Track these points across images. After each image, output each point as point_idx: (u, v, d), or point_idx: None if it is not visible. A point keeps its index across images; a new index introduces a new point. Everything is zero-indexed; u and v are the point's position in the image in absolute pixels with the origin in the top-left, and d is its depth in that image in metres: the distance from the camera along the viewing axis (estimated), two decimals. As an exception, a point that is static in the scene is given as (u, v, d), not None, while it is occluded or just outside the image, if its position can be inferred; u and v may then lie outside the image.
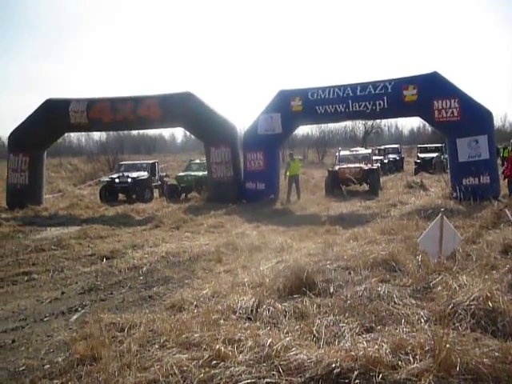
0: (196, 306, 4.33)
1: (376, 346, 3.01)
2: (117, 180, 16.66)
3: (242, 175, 14.65)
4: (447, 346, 2.82)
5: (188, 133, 26.03)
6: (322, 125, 41.59)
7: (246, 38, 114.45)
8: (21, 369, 3.38)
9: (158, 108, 14.42)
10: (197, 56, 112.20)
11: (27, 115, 15.06)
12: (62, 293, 5.47)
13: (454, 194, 11.25)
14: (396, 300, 4.14)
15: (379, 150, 27.65)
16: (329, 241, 7.30)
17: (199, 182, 16.17)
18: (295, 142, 44.45)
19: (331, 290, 4.68)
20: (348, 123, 47.15)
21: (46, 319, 4.59)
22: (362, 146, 32.50)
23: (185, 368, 2.77)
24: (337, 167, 16.62)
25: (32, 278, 6.16)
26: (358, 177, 15.42)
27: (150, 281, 5.86)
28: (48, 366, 3.35)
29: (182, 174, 17.59)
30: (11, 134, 15.34)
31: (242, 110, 70.76)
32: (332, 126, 45.83)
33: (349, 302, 4.17)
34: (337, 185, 15.41)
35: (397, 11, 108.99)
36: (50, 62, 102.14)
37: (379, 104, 12.36)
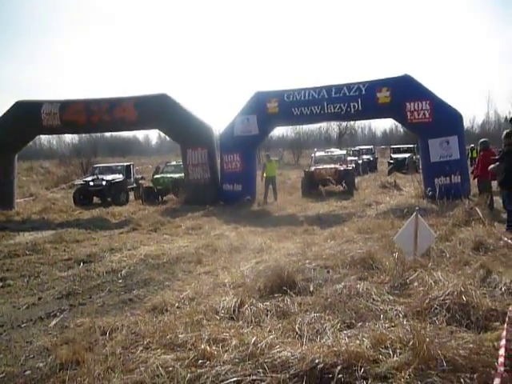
0: (178, 307, 4.34)
1: (357, 342, 3.10)
2: (91, 183, 16.40)
3: (219, 177, 14.65)
4: (426, 339, 2.92)
5: (163, 135, 25.87)
6: (298, 126, 41.88)
7: (223, 38, 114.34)
8: (0, 376, 3.31)
9: (134, 110, 14.25)
10: (173, 57, 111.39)
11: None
12: (39, 298, 5.37)
13: (428, 193, 11.55)
14: (374, 297, 4.26)
15: (353, 151, 28.07)
16: (307, 241, 7.42)
17: (176, 184, 16.10)
18: (271, 143, 44.63)
19: (311, 289, 4.77)
20: (323, 124, 47.71)
21: (23, 325, 4.51)
22: (337, 147, 32.87)
23: (171, 369, 2.79)
24: (313, 168, 16.80)
25: (7, 284, 6.02)
26: (334, 177, 15.69)
27: (130, 284, 5.81)
28: (29, 372, 3.30)
29: (158, 176, 17.42)
30: (-20, 137, 14.89)
31: (218, 111, 70.59)
32: (307, 127, 46.20)
33: (329, 299, 4.26)
34: (313, 185, 15.63)
35: (371, 13, 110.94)
36: (21, 63, 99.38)
37: (353, 106, 12.57)
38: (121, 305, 4.96)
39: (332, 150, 21.49)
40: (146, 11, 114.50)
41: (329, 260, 5.84)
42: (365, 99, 12.47)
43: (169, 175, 17.06)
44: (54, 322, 4.49)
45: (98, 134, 43.68)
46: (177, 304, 4.41)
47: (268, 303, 4.25)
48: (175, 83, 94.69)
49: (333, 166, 16.74)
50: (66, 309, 4.93)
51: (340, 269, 5.41)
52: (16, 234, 10.19)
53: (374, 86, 12.45)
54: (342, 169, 16.43)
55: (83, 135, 41.36)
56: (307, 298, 4.43)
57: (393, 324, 3.50)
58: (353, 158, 23.53)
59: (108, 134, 49.61)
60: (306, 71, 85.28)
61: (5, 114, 14.52)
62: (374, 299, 4.20)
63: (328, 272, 5.41)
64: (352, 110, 12.65)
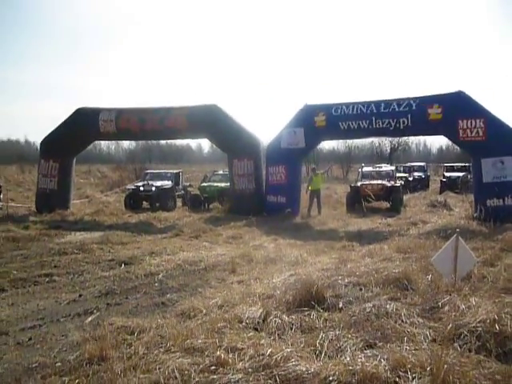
0: (205, 314, 4.44)
1: (375, 362, 3.04)
2: (141, 188, 17.05)
3: (263, 188, 14.77)
4: (445, 366, 2.83)
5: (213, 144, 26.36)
6: (348, 140, 41.39)
7: (274, 52, 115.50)
8: (34, 365, 3.54)
9: (185, 119, 14.73)
10: (224, 69, 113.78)
11: (59, 123, 15.67)
12: (80, 295, 5.67)
13: (476, 215, 11.06)
14: (403, 318, 4.14)
15: (404, 167, 27.30)
16: (343, 256, 7.32)
17: (221, 193, 16.41)
18: (320, 156, 44.38)
19: (340, 306, 4.72)
20: (375, 139, 46.81)
21: (62, 320, 4.78)
22: (388, 163, 32.12)
23: (185, 372, 2.88)
24: (359, 183, 16.50)
25: (53, 280, 6.41)
26: (380, 194, 15.37)
27: (165, 287, 6.00)
28: (59, 363, 3.51)
29: (204, 184, 17.86)
30: (43, 140, 15.95)
31: (265, 122, 71.15)
32: (358, 141, 45.50)
33: (355, 317, 4.20)
34: (358, 201, 15.13)
35: (424, 30, 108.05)
36: (83, 73, 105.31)
37: (403, 122, 12.31)
38: (153, 307, 5.13)
39: (381, 165, 20.84)
40: (202, 25, 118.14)
41: (362, 277, 5.73)
42: (415, 115, 12.17)
43: (215, 184, 17.37)
44: (89, 319, 4.73)
45: (153, 142, 45.42)
46: (204, 310, 4.51)
47: (294, 316, 4.25)
48: (225, 94, 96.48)
49: (380, 181, 16.30)
50: (102, 307, 5.17)
51: (373, 287, 5.30)
52: (68, 233, 10.80)
53: (425, 101, 12.14)
54: (388, 185, 15.97)
55: (139, 142, 43.16)
56: (334, 315, 4.38)
57: (416, 347, 3.40)
58: (403, 175, 22.91)
59: (162, 142, 51.39)
60: (354, 85, 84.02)
61: (66, 119, 15.48)
62: (402, 321, 4.09)
63: (360, 290, 5.32)
64: (401, 125, 12.39)
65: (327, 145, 48.49)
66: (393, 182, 16.51)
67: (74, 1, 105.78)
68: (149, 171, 20.76)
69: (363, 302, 4.66)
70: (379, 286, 5.34)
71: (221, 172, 19.09)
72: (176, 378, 2.81)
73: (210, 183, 17.85)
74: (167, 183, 17.80)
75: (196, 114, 14.66)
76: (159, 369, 2.97)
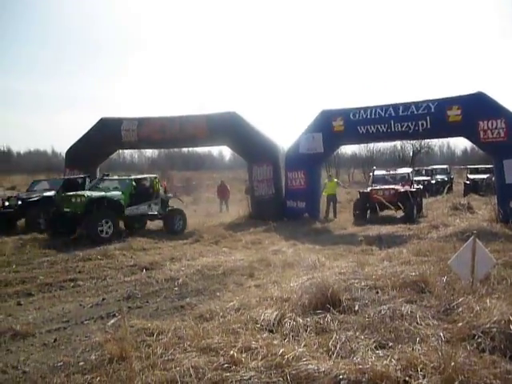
0: (222, 316, 4.55)
1: (385, 362, 3.09)
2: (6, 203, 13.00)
3: (283, 193, 14.86)
4: (454, 365, 2.86)
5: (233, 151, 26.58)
6: (370, 144, 41.09)
7: (290, 58, 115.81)
8: (59, 364, 3.72)
9: (204, 127, 14.99)
10: (241, 75, 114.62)
11: (83, 132, 16.16)
12: (103, 299, 5.87)
13: (500, 216, 10.88)
14: (418, 320, 4.17)
15: (426, 170, 26.96)
16: (361, 260, 7.33)
17: (96, 205, 11.06)
18: (341, 160, 44.16)
19: (356, 308, 4.76)
20: (397, 142, 46.32)
21: (86, 322, 4.97)
22: (410, 166, 31.75)
23: (200, 370, 2.99)
24: (369, 188, 15.05)
25: (77, 285, 6.64)
26: (393, 200, 13.87)
27: (184, 292, 6.15)
28: (82, 363, 3.67)
29: (69, 193, 11.58)
30: (68, 150, 16.46)
31: (283, 128, 71.21)
32: (380, 145, 45.12)
33: (370, 319, 4.24)
34: (368, 208, 14.29)
35: (441, 31, 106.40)
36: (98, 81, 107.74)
37: (422, 124, 12.25)
38: (172, 310, 5.28)
39: (395, 168, 19.80)
40: (217, 33, 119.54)
41: (379, 281, 5.75)
42: (434, 117, 12.11)
43: (89, 193, 11.48)
44: (111, 322, 4.90)
45: (175, 150, 45.98)
46: (221, 313, 4.62)
47: (309, 319, 4.32)
48: (243, 100, 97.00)
49: (392, 186, 14.67)
50: (124, 310, 5.32)
51: (389, 290, 5.31)
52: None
53: (444, 103, 12.06)
54: (402, 190, 14.29)
55: (161, 150, 43.83)
56: (349, 317, 4.43)
57: (428, 348, 3.43)
58: (425, 178, 22.60)
59: (184, 150, 51.88)
60: (372, 89, 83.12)
61: (90, 129, 15.95)
62: (416, 322, 4.11)
63: (376, 293, 5.35)
64: (420, 128, 12.33)
65: (348, 149, 48.20)
66: (408, 187, 14.87)
67: (93, 12, 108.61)
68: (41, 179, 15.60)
69: (379, 305, 4.70)
70: (396, 289, 5.35)
71: (116, 177, 13.92)
72: (191, 375, 2.93)
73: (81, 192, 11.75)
74: (49, 194, 12.99)
75: (215, 122, 14.90)
76: (175, 367, 3.09)
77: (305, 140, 14.27)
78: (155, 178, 13.53)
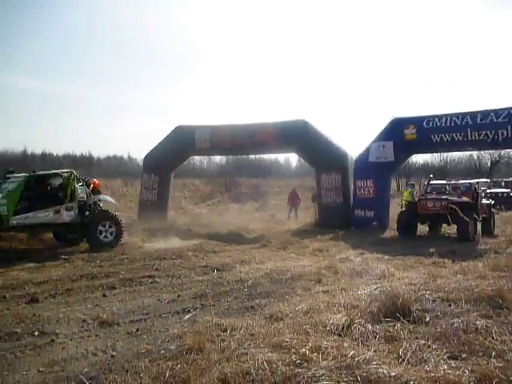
0: (291, 318, 4.70)
1: (458, 372, 3.08)
2: None
3: (351, 202, 14.75)
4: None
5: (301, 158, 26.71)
6: (444, 153, 39.31)
7: (359, 64, 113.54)
8: (142, 351, 4.06)
9: (274, 134, 15.30)
10: (310, 83, 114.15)
11: (157, 139, 17.13)
12: (178, 296, 6.24)
13: None
14: (494, 335, 4.05)
15: (506, 182, 25.32)
16: (433, 272, 7.16)
17: None
18: (412, 170, 42.63)
19: (427, 319, 4.70)
20: (473, 152, 43.86)
21: (163, 316, 5.34)
22: (488, 177, 29.99)
23: (273, 365, 3.16)
24: (417, 199, 13.25)
25: (155, 281, 7.11)
26: (442, 212, 11.93)
27: (254, 293, 6.36)
28: (163, 351, 3.98)
29: None
30: (146, 156, 17.50)
31: (352, 136, 69.86)
32: (455, 154, 43.04)
33: (442, 331, 4.18)
34: (414, 223, 12.53)
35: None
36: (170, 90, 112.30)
37: (502, 133, 11.66)
38: (243, 310, 5.50)
39: (470, 179, 17.37)
40: (287, 41, 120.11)
41: (452, 294, 5.60)
42: (516, 126, 11.46)
43: None
44: (187, 317, 5.23)
45: (243, 156, 46.91)
46: (290, 315, 4.77)
47: (378, 326, 4.34)
48: (312, 107, 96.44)
49: (443, 196, 12.54)
50: (198, 307, 5.67)
51: (463, 304, 5.17)
52: (168, 241, 11.75)
53: (528, 111, 11.38)
54: (455, 201, 12.12)
55: (230, 157, 44.92)
56: (420, 328, 4.40)
57: (505, 363, 3.34)
58: (504, 191, 21.27)
59: (252, 157, 52.75)
60: (444, 98, 78.82)
61: (166, 136, 16.85)
62: (492, 337, 4.00)
63: (449, 305, 5.23)
64: (500, 137, 11.74)
65: (421, 158, 46.41)
66: (467, 198, 12.61)
67: (174, 25, 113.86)
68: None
69: (451, 318, 4.60)
70: (470, 302, 5.20)
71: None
72: (264, 368, 3.10)
73: None
74: None
75: (285, 129, 15.15)
76: (249, 360, 3.29)
77: (375, 148, 14.09)
78: (70, 173, 10.34)
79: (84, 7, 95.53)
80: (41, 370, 3.75)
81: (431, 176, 15.11)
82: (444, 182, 14.95)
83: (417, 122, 13.28)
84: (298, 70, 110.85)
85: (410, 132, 13.28)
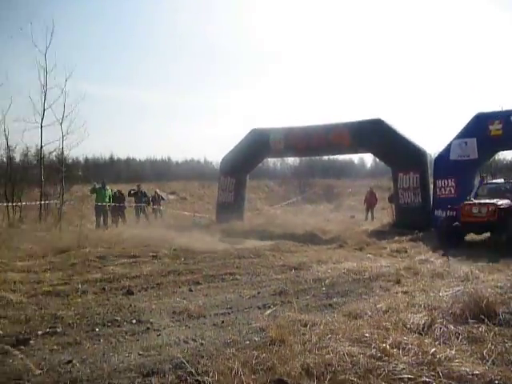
0: (370, 316, 4.77)
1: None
2: None
3: (430, 202, 14.24)
4: None
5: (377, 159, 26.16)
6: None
7: (435, 59, 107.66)
8: (228, 341, 4.37)
9: (348, 135, 15.21)
10: (384, 80, 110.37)
11: (232, 142, 17.73)
12: (258, 292, 6.53)
13: None
14: None
15: None
16: (524, 275, 6.81)
17: None
18: (498, 167, 39.75)
19: (514, 322, 4.54)
20: None
21: (245, 310, 5.64)
22: None
23: (354, 358, 3.30)
24: (462, 203, 11.10)
25: (235, 278, 7.47)
26: (489, 221, 10.21)
27: (331, 292, 6.48)
28: (248, 342, 4.27)
29: None
30: (223, 158, 18.18)
31: (431, 133, 66.51)
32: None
33: (532, 334, 4.04)
34: (458, 232, 10.76)
35: None
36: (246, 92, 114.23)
37: None
38: (321, 307, 5.65)
39: None
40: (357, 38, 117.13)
41: (543, 298, 5.33)
42: None
43: None
44: (268, 312, 5.49)
45: (316, 157, 46.72)
46: (370, 313, 4.85)
47: (460, 327, 4.28)
48: (386, 106, 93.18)
49: (492, 201, 10.55)
50: (277, 303, 5.90)
51: (558, 308, 4.92)
52: (243, 241, 12.23)
53: None
54: (505, 206, 10.32)
55: (303, 158, 44.96)
56: (506, 330, 4.28)
57: None
58: None
59: (325, 157, 52.37)
60: None
61: (242, 139, 17.38)
62: None
63: (542, 309, 4.98)
64: None
65: (508, 155, 43.10)
66: None
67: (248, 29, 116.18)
68: None
69: (544, 322, 4.42)
70: None
71: None
72: (346, 360, 3.25)
73: None
74: None
75: (360, 129, 15.00)
76: (331, 353, 3.45)
77: (456, 146, 13.50)
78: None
79: (146, 13, 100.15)
80: (140, 353, 4.18)
81: (484, 175, 12.81)
82: (501, 181, 12.56)
83: (503, 116, 12.54)
84: (371, 67, 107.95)
85: (495, 128, 12.57)
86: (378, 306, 5.15)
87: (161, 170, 52.77)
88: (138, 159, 57.87)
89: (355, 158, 76.71)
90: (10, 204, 16.10)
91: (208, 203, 26.66)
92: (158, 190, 20.38)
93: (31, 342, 4.47)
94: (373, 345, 3.54)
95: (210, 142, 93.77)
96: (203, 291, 6.67)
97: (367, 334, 3.77)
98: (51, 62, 16.64)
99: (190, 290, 6.72)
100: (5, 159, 18.89)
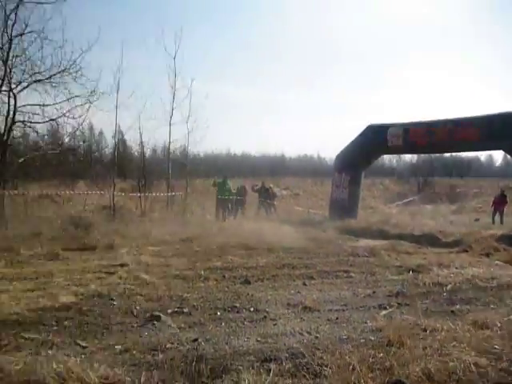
0: (500, 328, 4.40)
1: None
2: None
3: None
4: None
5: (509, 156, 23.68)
6: None
7: None
8: (343, 337, 4.38)
9: (476, 130, 13.99)
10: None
11: (348, 138, 17.41)
12: (373, 292, 6.39)
13: None
14: None
15: None
16: None
17: None
18: None
19: None
20: None
21: (361, 309, 5.57)
22: None
23: (482, 369, 3.10)
24: None
25: (350, 276, 7.40)
26: None
27: (454, 298, 6.07)
28: (363, 340, 4.23)
29: None
30: (337, 155, 17.98)
31: None
32: None
33: None
34: None
35: None
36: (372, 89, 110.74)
37: None
38: (442, 314, 5.33)
39: None
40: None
41: None
42: None
43: None
44: (383, 313, 5.35)
45: (436, 154, 43.80)
46: (499, 324, 4.47)
47: None
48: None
49: None
50: (393, 305, 5.73)
51: None
52: (357, 239, 12.03)
53: None
54: None
55: (421, 155, 42.48)
56: None
57: None
58: None
59: (446, 155, 48.85)
60: None
61: (358, 135, 17.01)
62: None
63: None
64: None
65: None
66: None
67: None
68: None
69: None
70: None
71: None
72: (472, 371, 3.07)
73: None
74: None
75: (490, 124, 13.70)
76: (455, 361, 3.28)
77: None
78: None
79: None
80: (258, 339, 4.40)
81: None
82: None
83: None
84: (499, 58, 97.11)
85: None
86: (509, 317, 4.72)
87: (275, 166, 54.04)
88: (252, 154, 59.98)
89: (482, 155, 70.16)
90: (141, 195, 17.85)
91: (322, 200, 26.55)
92: (271, 186, 20.92)
93: (162, 318, 4.97)
94: (504, 358, 3.28)
95: (325, 136, 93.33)
96: (317, 286, 6.74)
97: (497, 346, 3.50)
98: (179, 65, 17.92)
99: (304, 284, 6.83)
100: (137, 154, 20.95)
